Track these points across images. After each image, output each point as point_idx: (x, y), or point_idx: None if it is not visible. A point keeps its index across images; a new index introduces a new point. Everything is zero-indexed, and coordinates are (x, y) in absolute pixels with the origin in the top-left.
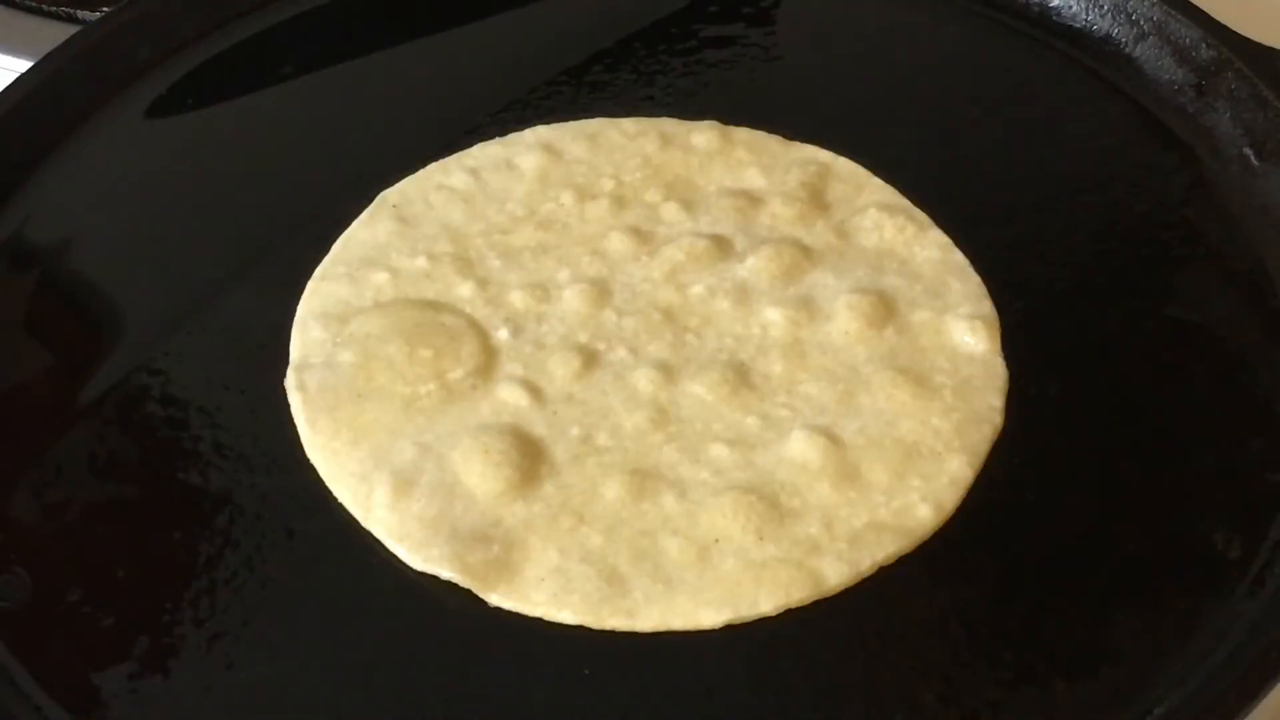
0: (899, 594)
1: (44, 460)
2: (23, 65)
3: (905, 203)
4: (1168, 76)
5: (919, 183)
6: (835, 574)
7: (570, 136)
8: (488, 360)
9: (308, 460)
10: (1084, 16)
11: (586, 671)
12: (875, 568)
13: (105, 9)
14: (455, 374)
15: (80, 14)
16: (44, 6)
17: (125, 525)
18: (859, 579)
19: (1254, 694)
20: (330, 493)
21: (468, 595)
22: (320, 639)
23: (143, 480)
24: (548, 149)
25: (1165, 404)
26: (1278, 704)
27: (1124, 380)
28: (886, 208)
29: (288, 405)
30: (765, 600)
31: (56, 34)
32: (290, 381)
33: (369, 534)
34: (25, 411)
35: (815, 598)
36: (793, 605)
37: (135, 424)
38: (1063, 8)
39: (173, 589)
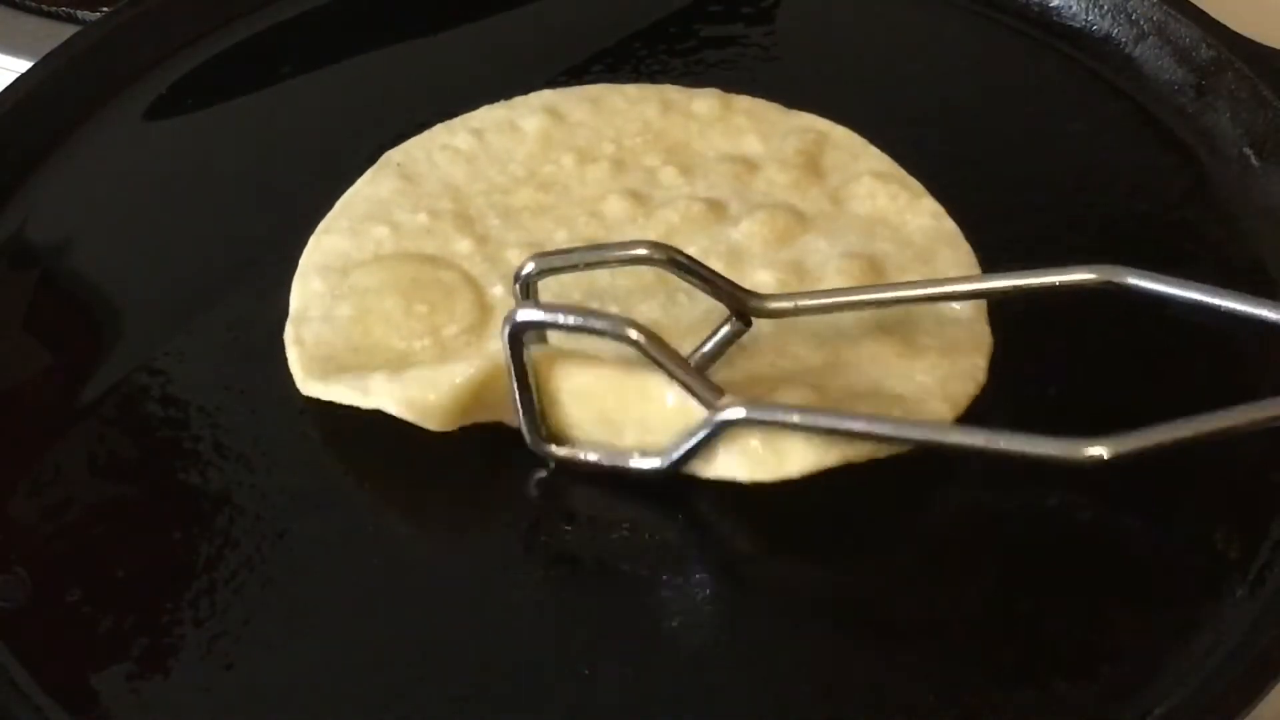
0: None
1: (44, 460)
2: (23, 65)
3: (900, 171)
4: (1168, 76)
5: (919, 168)
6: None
7: (573, 100)
8: (482, 317)
9: (308, 459)
10: (1084, 16)
11: None
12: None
13: (105, 9)
14: (450, 330)
15: (80, 14)
16: (44, 6)
17: (125, 525)
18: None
19: (1254, 694)
20: (330, 492)
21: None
22: (320, 639)
23: (143, 480)
24: (551, 112)
25: (1165, 404)
26: (1278, 704)
27: (1123, 380)
28: (881, 175)
29: (288, 404)
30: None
31: (56, 34)
32: (288, 335)
33: (369, 533)
34: (25, 411)
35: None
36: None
37: (135, 424)
38: (1063, 8)
39: (173, 589)
